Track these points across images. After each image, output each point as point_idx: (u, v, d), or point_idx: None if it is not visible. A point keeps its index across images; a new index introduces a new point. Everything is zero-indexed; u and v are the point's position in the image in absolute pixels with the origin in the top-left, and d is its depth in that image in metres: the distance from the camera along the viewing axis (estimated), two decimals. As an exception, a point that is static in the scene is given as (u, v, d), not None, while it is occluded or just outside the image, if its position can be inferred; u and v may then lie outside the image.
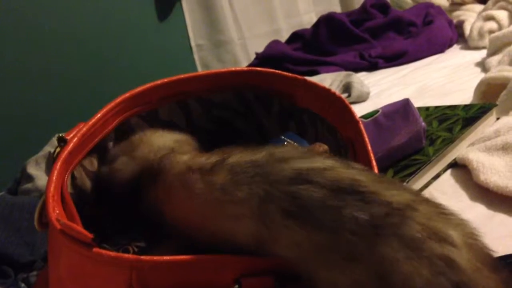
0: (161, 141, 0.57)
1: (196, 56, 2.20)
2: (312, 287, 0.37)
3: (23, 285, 0.76)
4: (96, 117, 0.56)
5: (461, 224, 0.37)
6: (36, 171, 1.09)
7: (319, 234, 0.37)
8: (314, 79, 1.30)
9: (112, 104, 0.57)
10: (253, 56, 2.01)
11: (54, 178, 0.49)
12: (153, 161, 0.53)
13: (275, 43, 1.94)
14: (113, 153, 0.59)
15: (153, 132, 0.59)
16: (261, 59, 1.86)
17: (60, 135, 0.53)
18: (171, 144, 0.56)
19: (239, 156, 0.45)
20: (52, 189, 0.48)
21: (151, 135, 0.58)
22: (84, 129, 0.54)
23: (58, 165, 0.50)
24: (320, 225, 0.37)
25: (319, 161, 0.41)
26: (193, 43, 2.19)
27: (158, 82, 0.60)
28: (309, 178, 0.39)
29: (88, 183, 0.58)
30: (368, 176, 0.39)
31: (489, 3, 1.65)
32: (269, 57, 1.83)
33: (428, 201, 0.38)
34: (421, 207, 0.36)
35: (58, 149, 0.52)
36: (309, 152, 0.44)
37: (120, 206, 0.57)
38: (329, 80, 1.38)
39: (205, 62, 2.20)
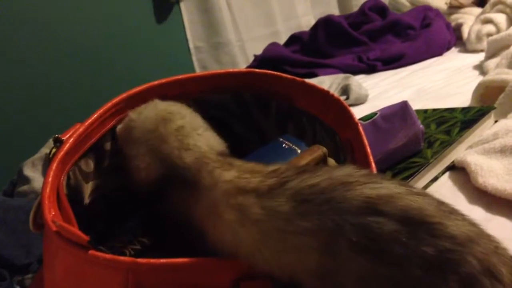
0: (194, 135, 0.52)
1: (194, 58, 2.20)
2: None
3: (18, 287, 0.75)
4: (93, 118, 0.55)
5: (510, 260, 0.38)
6: (33, 173, 1.09)
7: (386, 269, 0.36)
8: (313, 81, 1.30)
9: (109, 104, 0.57)
10: (251, 58, 2.00)
11: (50, 179, 0.49)
12: (183, 167, 0.49)
13: (273, 45, 1.94)
14: (133, 142, 0.54)
15: (179, 116, 0.54)
16: (259, 61, 1.86)
17: (56, 135, 0.52)
18: (201, 144, 0.51)
19: (299, 180, 0.42)
20: (48, 190, 0.48)
21: (177, 119, 0.53)
22: (81, 129, 0.54)
23: (54, 165, 0.50)
24: (387, 259, 0.37)
25: (385, 186, 0.40)
26: (191, 45, 2.19)
27: (155, 82, 0.60)
28: (378, 208, 0.38)
29: (83, 184, 0.57)
30: (433, 203, 0.39)
31: (487, 6, 1.66)
32: (267, 59, 1.83)
33: (485, 233, 0.39)
34: (481, 241, 0.37)
35: (54, 150, 0.52)
36: (371, 175, 0.43)
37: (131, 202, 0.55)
38: (327, 82, 1.38)
39: (203, 64, 2.20)
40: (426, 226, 0.37)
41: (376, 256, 0.37)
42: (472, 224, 0.39)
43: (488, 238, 0.38)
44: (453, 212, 0.39)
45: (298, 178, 0.42)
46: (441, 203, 0.40)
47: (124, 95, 0.58)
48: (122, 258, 0.42)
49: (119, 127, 0.57)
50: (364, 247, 0.37)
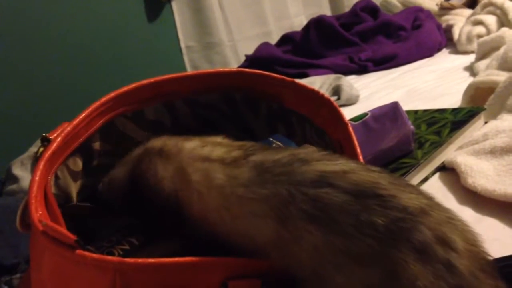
0: None
1: (186, 58, 2.19)
2: None
3: (6, 287, 0.74)
4: (81, 117, 0.55)
5: (465, 231, 0.38)
6: (22, 172, 1.08)
7: (338, 239, 0.37)
8: (304, 81, 1.30)
9: (97, 103, 0.56)
10: (243, 58, 2.00)
11: (37, 178, 0.48)
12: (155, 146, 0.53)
13: (265, 45, 1.94)
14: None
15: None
16: (251, 61, 1.86)
17: (44, 135, 0.52)
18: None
19: (262, 155, 0.44)
20: (35, 189, 0.47)
21: None
22: (68, 128, 0.53)
23: (41, 164, 0.49)
24: (339, 230, 0.37)
25: (342, 163, 0.41)
26: (183, 45, 2.18)
27: (143, 82, 0.59)
28: (331, 181, 0.39)
29: (71, 183, 0.57)
30: (387, 178, 0.40)
31: (478, 7, 1.67)
32: (259, 59, 1.83)
33: (440, 206, 0.39)
34: (434, 212, 0.37)
35: (41, 149, 0.51)
36: (330, 154, 0.44)
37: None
38: (318, 83, 1.38)
39: (195, 64, 2.19)
40: (378, 198, 0.38)
41: (328, 227, 0.38)
42: (426, 197, 0.39)
43: (441, 209, 0.39)
44: (407, 186, 0.40)
45: (262, 153, 0.45)
46: (396, 179, 0.41)
47: (112, 94, 0.57)
48: (109, 258, 0.41)
49: None
50: (316, 217, 0.38)
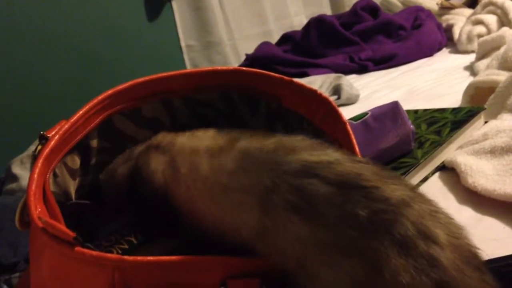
0: None
1: (186, 57, 2.19)
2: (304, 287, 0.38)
3: (5, 286, 0.74)
4: (78, 114, 0.54)
5: (448, 223, 0.37)
6: (21, 170, 1.08)
7: (321, 230, 0.37)
8: (304, 81, 1.30)
9: (94, 101, 0.56)
10: (243, 58, 2.00)
11: (35, 175, 0.48)
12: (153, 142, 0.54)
13: (265, 44, 1.94)
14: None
15: None
16: (251, 60, 1.86)
17: (42, 132, 0.52)
18: None
19: (248, 141, 0.44)
20: (33, 187, 0.47)
21: None
22: (66, 126, 0.53)
23: (39, 162, 0.49)
24: (323, 221, 0.37)
25: (327, 153, 0.41)
26: (183, 44, 2.18)
27: (140, 80, 0.59)
28: (315, 172, 0.39)
29: (70, 181, 0.57)
30: (372, 169, 0.39)
31: (478, 7, 1.67)
32: (259, 58, 1.83)
33: (422, 198, 0.38)
34: (416, 204, 0.37)
35: (39, 147, 0.51)
36: (319, 144, 0.44)
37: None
38: (318, 82, 1.38)
39: (195, 63, 2.19)
40: (361, 189, 0.37)
41: (312, 218, 0.37)
42: (410, 189, 0.39)
43: (424, 201, 0.38)
44: (391, 177, 0.39)
45: (248, 140, 0.44)
46: (381, 170, 0.40)
47: (109, 91, 0.57)
48: (108, 255, 0.41)
49: None
50: (299, 208, 0.38)
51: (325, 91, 1.32)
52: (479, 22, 1.58)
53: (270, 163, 0.41)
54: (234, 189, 0.42)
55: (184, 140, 0.51)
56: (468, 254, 0.36)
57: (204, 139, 0.49)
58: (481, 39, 1.35)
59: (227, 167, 0.43)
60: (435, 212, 0.37)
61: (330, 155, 0.41)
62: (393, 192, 0.37)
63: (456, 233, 0.37)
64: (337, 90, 1.35)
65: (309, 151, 0.41)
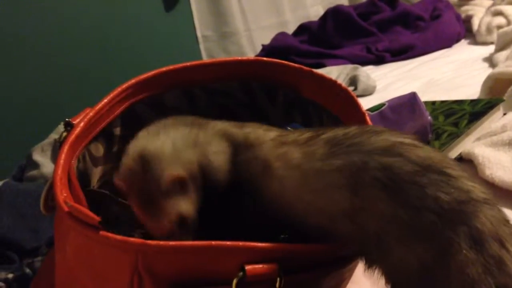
0: None
1: (202, 47, 2.19)
2: (380, 261, 0.40)
3: (28, 270, 0.76)
4: (103, 103, 0.56)
5: None
6: (42, 158, 1.09)
7: (403, 209, 0.38)
8: (320, 72, 1.30)
9: (118, 90, 0.57)
10: (259, 48, 2.00)
11: (62, 161, 0.49)
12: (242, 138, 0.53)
13: (281, 35, 1.94)
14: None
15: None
16: (267, 51, 1.86)
17: (67, 119, 0.53)
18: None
19: (332, 131, 0.46)
20: (59, 172, 0.48)
21: None
22: (91, 114, 0.54)
23: (65, 148, 0.50)
24: (405, 200, 0.38)
25: (409, 137, 0.43)
26: (199, 34, 2.18)
27: (163, 69, 0.60)
28: (401, 151, 0.41)
29: (92, 169, 0.58)
30: (454, 162, 0.41)
31: (498, -2, 1.64)
32: (275, 49, 1.82)
33: (497, 206, 0.40)
34: (495, 207, 0.38)
35: (64, 134, 0.52)
36: (396, 130, 0.45)
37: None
38: (335, 73, 1.38)
39: (211, 53, 2.20)
40: (445, 176, 0.39)
41: (396, 196, 0.39)
42: (488, 194, 0.40)
43: (498, 208, 0.39)
44: (472, 177, 0.41)
45: (331, 131, 0.46)
46: (462, 167, 0.42)
47: (132, 81, 0.58)
48: (132, 239, 0.42)
49: None
50: (386, 185, 0.39)
51: (341, 82, 1.31)
52: (499, 13, 1.56)
53: (357, 145, 0.43)
54: (327, 171, 0.43)
55: (270, 135, 0.51)
56: None
57: (289, 134, 0.51)
58: (501, 30, 1.33)
59: (318, 153, 0.45)
60: (507, 221, 0.39)
61: (411, 138, 0.43)
62: (474, 188, 0.39)
63: None
64: (353, 81, 1.35)
65: (391, 133, 0.43)
